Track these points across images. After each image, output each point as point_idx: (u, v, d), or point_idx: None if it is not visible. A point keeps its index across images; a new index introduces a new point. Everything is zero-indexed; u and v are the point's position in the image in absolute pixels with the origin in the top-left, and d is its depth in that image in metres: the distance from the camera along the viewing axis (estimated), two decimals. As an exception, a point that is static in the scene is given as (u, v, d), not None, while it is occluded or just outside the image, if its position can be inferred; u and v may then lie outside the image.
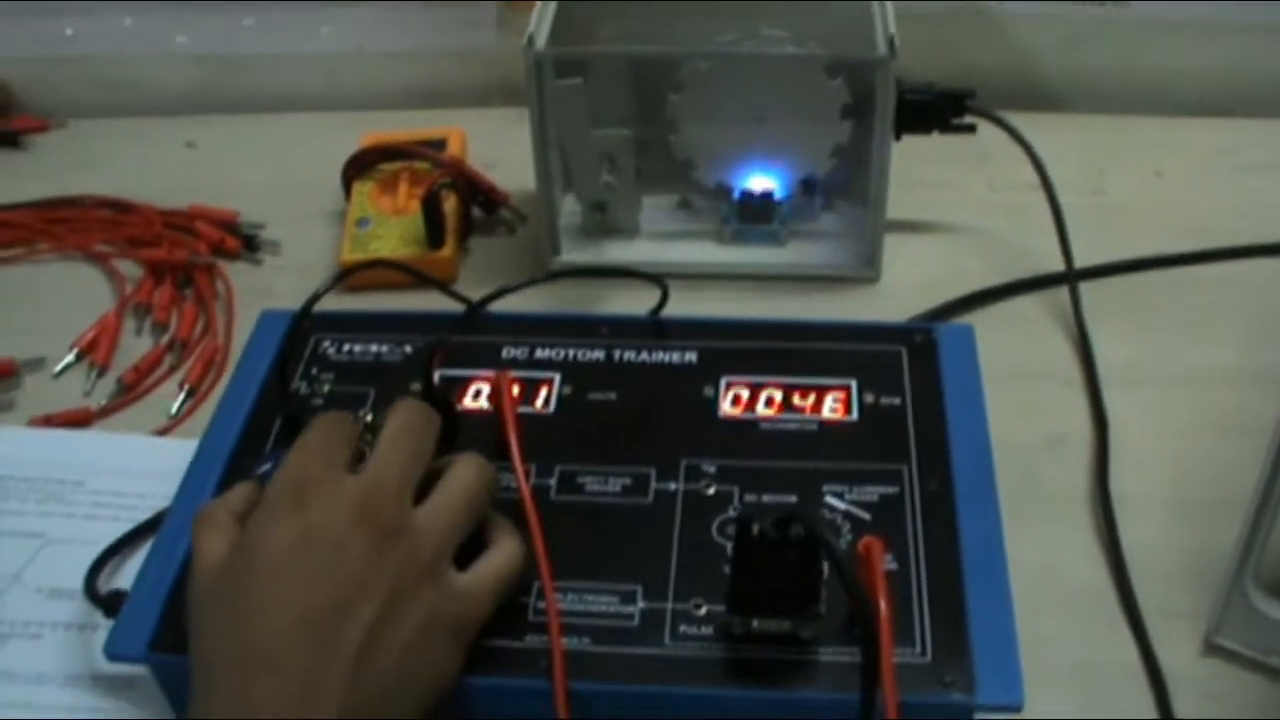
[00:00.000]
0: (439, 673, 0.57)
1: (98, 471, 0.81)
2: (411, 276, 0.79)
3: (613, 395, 0.71)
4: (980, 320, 0.89)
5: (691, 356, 0.73)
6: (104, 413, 0.87)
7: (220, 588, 0.56)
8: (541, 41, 0.85)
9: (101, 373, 0.90)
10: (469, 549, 0.60)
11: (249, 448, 0.69)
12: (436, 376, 0.70)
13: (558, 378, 0.72)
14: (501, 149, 1.04)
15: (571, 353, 0.74)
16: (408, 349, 0.74)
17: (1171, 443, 0.82)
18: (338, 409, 0.70)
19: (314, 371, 0.73)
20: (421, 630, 0.56)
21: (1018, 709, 0.57)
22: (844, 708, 0.54)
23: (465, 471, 0.60)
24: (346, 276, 0.71)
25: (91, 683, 0.70)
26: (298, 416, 0.69)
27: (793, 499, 0.65)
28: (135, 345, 0.92)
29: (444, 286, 0.75)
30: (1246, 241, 0.95)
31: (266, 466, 0.63)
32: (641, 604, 0.61)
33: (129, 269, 0.98)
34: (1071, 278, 0.91)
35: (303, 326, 0.75)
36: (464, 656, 0.58)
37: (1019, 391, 0.75)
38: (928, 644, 0.59)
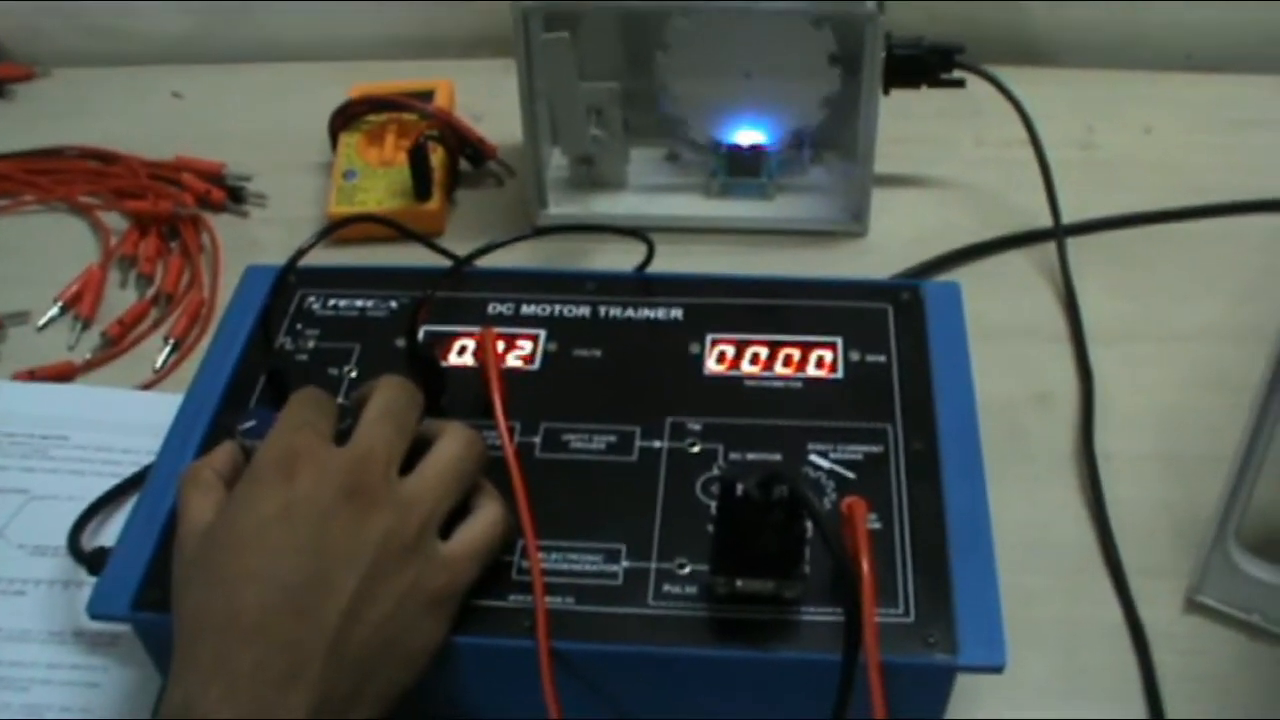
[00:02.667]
0: (424, 641, 0.57)
1: (82, 426, 0.81)
2: (397, 231, 0.78)
3: (598, 352, 0.71)
4: (967, 276, 0.89)
5: (677, 313, 0.73)
6: (88, 366, 0.87)
7: (206, 553, 0.57)
8: (528, -7, 0.85)
9: (86, 326, 0.90)
10: (452, 512, 0.60)
11: (233, 404, 0.69)
12: (422, 332, 0.70)
13: (543, 334, 0.72)
14: (490, 101, 1.03)
15: (557, 309, 0.73)
16: (393, 304, 0.74)
17: (1157, 399, 0.82)
18: (324, 366, 0.70)
19: (299, 327, 0.73)
20: (404, 601, 0.56)
21: (1000, 669, 0.57)
22: (828, 668, 0.54)
23: (453, 444, 0.61)
24: (332, 232, 0.70)
25: (74, 639, 0.70)
26: (282, 373, 0.69)
27: (777, 457, 0.65)
28: (120, 298, 0.92)
29: (430, 242, 0.75)
30: (1235, 198, 0.95)
31: (250, 423, 0.63)
32: (625, 563, 0.61)
33: (114, 221, 0.98)
34: (1059, 234, 0.91)
35: (288, 281, 0.75)
36: (449, 623, 0.58)
37: (1005, 348, 0.75)
38: (911, 604, 0.59)
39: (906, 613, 0.59)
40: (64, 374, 0.86)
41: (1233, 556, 0.69)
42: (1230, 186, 0.96)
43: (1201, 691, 0.68)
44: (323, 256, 0.74)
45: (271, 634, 0.53)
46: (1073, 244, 0.91)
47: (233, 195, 0.99)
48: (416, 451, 0.60)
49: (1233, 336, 0.84)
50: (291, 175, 1.01)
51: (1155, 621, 0.70)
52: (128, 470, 0.77)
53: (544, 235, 0.77)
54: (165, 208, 0.96)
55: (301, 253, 0.69)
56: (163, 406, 0.79)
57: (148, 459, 0.76)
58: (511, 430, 0.66)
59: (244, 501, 0.57)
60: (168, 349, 0.87)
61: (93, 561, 0.68)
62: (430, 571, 0.57)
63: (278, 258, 0.78)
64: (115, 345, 0.88)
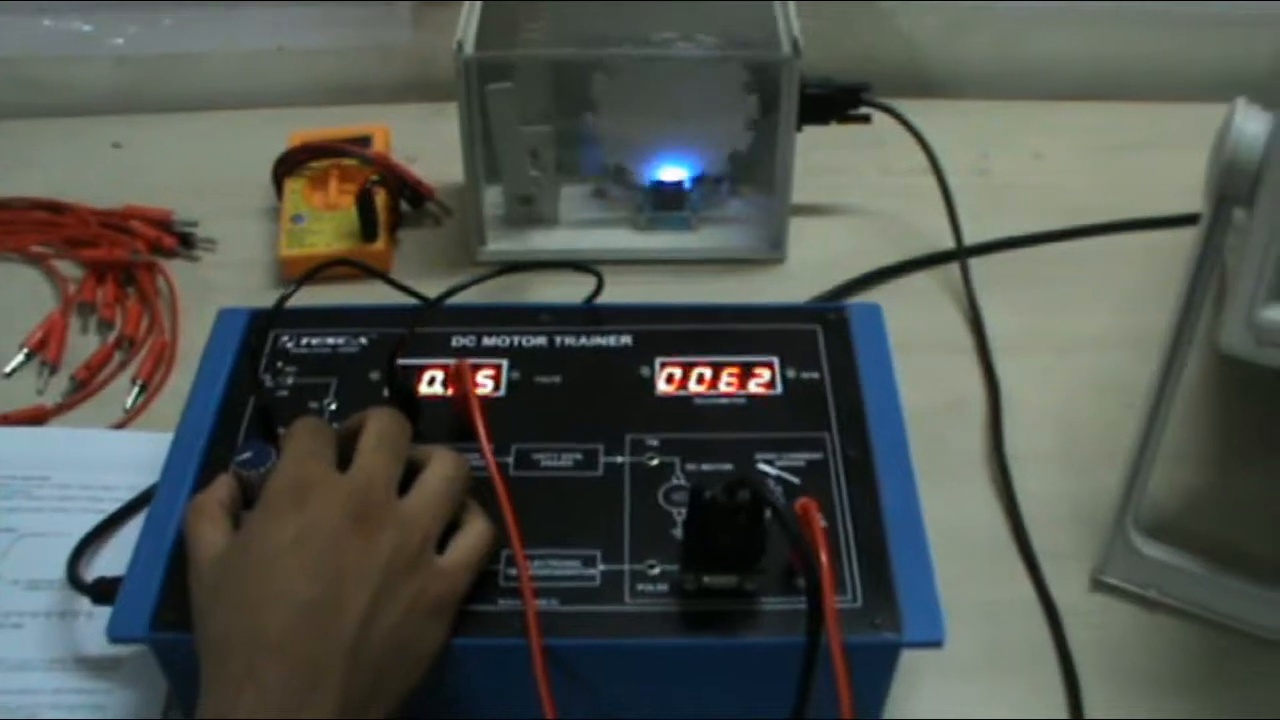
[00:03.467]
0: (428, 646, 0.63)
1: (61, 466, 0.84)
2: (362, 271, 0.84)
3: (558, 378, 0.77)
4: (879, 296, 0.96)
5: (627, 340, 0.79)
6: (59, 410, 0.91)
7: (227, 576, 0.62)
8: (470, 45, 0.91)
9: (53, 371, 0.93)
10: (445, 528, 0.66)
11: (222, 437, 0.74)
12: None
13: (506, 363, 0.78)
14: (421, 143, 1.09)
15: (516, 340, 0.79)
16: (362, 341, 0.79)
17: (1058, 403, 0.89)
18: (304, 400, 0.76)
19: (278, 364, 0.78)
20: (410, 611, 0.62)
21: (940, 644, 0.64)
22: (787, 649, 0.61)
23: (443, 467, 0.66)
24: (312, 276, 0.75)
25: (76, 666, 0.74)
26: (267, 407, 0.74)
27: (729, 467, 0.71)
28: (83, 343, 0.95)
29: (398, 283, 0.80)
30: (1120, 217, 1.03)
31: (246, 455, 0.68)
32: (601, 566, 0.67)
33: (69, 269, 1.01)
34: (962, 255, 0.98)
35: (268, 325, 0.80)
36: (449, 628, 0.64)
37: (918, 361, 0.81)
38: (858, 591, 0.66)
39: (854, 599, 0.65)
40: (37, 417, 0.90)
41: (1131, 539, 0.77)
42: (1116, 206, 1.04)
43: (1109, 659, 0.75)
44: (275, 297, 0.78)
45: (295, 648, 0.58)
46: (975, 264, 0.98)
47: (183, 241, 1.03)
48: (407, 475, 0.66)
49: (1122, 343, 0.91)
50: (237, 220, 1.05)
51: (1065, 599, 0.78)
52: (111, 506, 0.80)
53: (507, 273, 0.82)
54: (121, 254, 1.00)
55: (285, 298, 0.74)
56: (138, 444, 0.85)
57: (130, 494, 0.81)
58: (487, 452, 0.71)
59: (261, 528, 0.62)
60: (136, 390, 0.91)
61: (96, 591, 0.72)
62: (432, 582, 0.63)
63: (234, 299, 0.83)
64: (84, 388, 0.92)
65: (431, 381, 0.77)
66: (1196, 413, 0.87)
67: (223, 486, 0.68)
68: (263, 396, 0.75)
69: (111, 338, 0.96)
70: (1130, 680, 0.74)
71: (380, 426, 0.67)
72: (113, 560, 0.77)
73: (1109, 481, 0.78)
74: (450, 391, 0.75)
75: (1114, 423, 0.81)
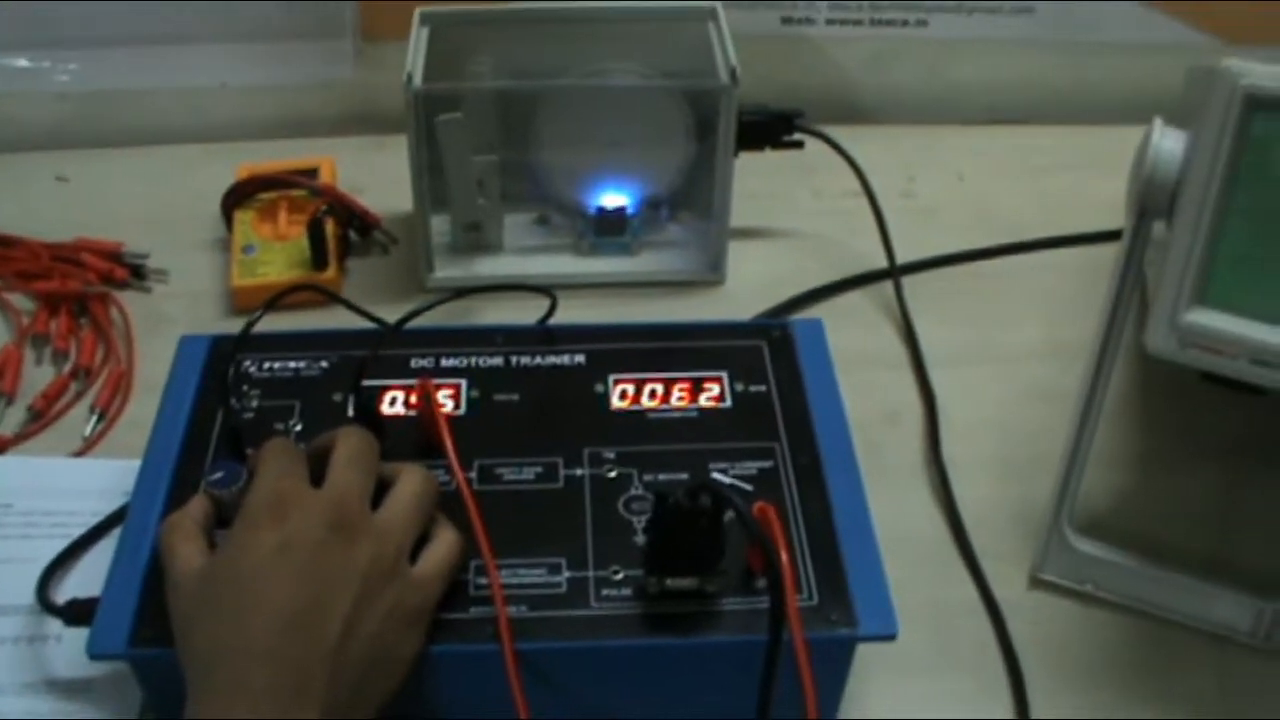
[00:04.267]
0: (405, 652, 0.65)
1: (23, 493, 0.85)
2: (317, 295, 0.86)
3: (515, 396, 0.80)
4: (817, 314, 0.97)
5: (580, 359, 0.82)
6: (18, 439, 0.92)
7: (210, 589, 0.64)
8: (419, 78, 0.93)
9: (9, 402, 0.94)
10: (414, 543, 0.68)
11: (191, 459, 0.76)
12: (353, 387, 0.78)
13: (465, 383, 0.80)
14: (366, 175, 1.11)
15: (474, 360, 0.82)
16: (324, 364, 0.81)
17: (991, 412, 0.93)
18: (270, 422, 0.78)
19: (242, 388, 0.80)
20: (388, 619, 0.64)
21: (893, 637, 0.67)
22: (747, 647, 0.64)
23: (413, 482, 0.69)
24: (278, 300, 0.77)
25: (48, 689, 0.75)
26: (235, 429, 0.76)
27: (684, 476, 0.74)
28: (38, 374, 0.96)
29: (359, 309, 0.82)
30: (1042, 234, 1.07)
31: (218, 475, 0.70)
32: (567, 574, 0.70)
33: (20, 302, 1.02)
34: (894, 273, 1.02)
35: (225, 349, 0.82)
36: (424, 636, 0.66)
37: (856, 376, 0.84)
38: (814, 589, 0.69)
39: (810, 597, 0.68)
40: (-4, 447, 0.91)
41: (1067, 537, 0.81)
42: (1038, 224, 1.08)
43: (1050, 652, 0.79)
44: (231, 325, 0.80)
45: (280, 655, 0.60)
46: (907, 281, 1.02)
47: (135, 272, 1.04)
48: (378, 492, 0.69)
49: (1050, 355, 0.95)
50: (186, 252, 1.06)
51: (1006, 597, 0.81)
52: (76, 531, 0.81)
53: (463, 297, 0.85)
54: (74, 286, 1.01)
55: (253, 322, 0.76)
56: (99, 471, 0.86)
57: (94, 519, 0.82)
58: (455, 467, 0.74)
59: (242, 542, 0.64)
60: (94, 419, 0.92)
61: (69, 612, 0.73)
62: (407, 591, 0.65)
63: (187, 329, 0.86)
64: (41, 418, 0.93)
65: (394, 402, 0.79)
66: (1124, 417, 0.91)
67: (197, 505, 0.70)
68: (231, 418, 0.77)
69: (67, 368, 0.97)
70: (1072, 672, 0.78)
71: (351, 444, 0.69)
72: (81, 583, 0.79)
73: (1044, 485, 0.82)
74: (413, 410, 0.77)
75: (1047, 429, 0.85)
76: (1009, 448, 0.90)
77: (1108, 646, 0.79)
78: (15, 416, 0.93)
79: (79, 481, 0.86)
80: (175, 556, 0.66)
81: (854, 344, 0.91)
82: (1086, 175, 1.11)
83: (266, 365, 0.82)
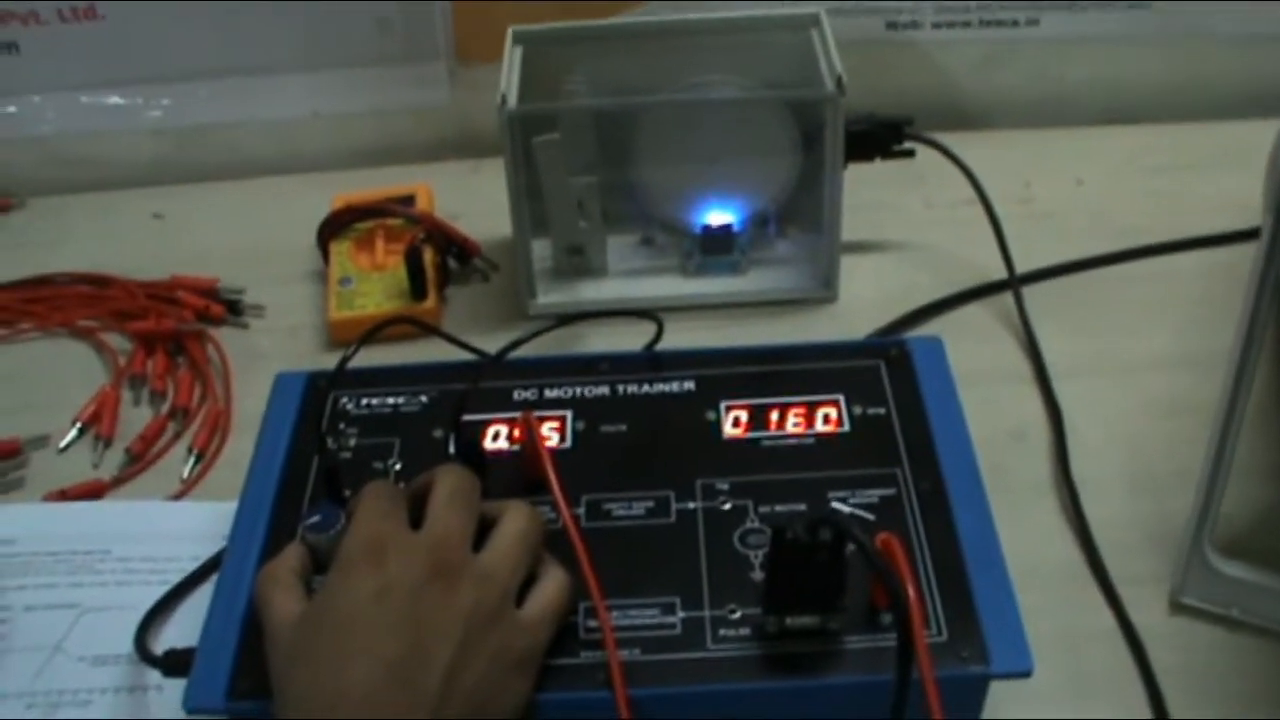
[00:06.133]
0: (511, 700, 0.62)
1: (122, 539, 0.84)
2: (415, 328, 0.84)
3: (623, 426, 0.77)
4: (934, 329, 0.96)
5: (689, 385, 0.79)
6: (116, 483, 0.90)
7: (306, 638, 0.61)
8: (513, 99, 0.91)
9: (108, 444, 0.93)
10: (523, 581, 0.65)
11: (288, 501, 0.74)
12: (456, 423, 0.75)
13: (570, 414, 0.77)
14: (463, 200, 1.09)
15: (578, 390, 0.79)
16: (423, 399, 0.79)
17: (1121, 426, 0.89)
18: (369, 460, 0.75)
19: (340, 426, 0.78)
20: (493, 665, 0.61)
21: (1029, 674, 0.63)
22: (873, 688, 0.60)
23: (518, 520, 0.66)
24: (372, 335, 0.76)
25: None
26: (333, 470, 0.73)
27: (802, 507, 0.71)
28: (135, 415, 0.95)
29: (458, 340, 0.80)
30: (1163, 238, 1.03)
31: (315, 519, 0.68)
32: (681, 614, 0.66)
33: (117, 341, 1.01)
34: (1014, 283, 0.98)
35: (320, 386, 0.80)
36: (532, 681, 0.63)
37: (977, 392, 0.80)
38: (942, 625, 0.65)
39: (939, 633, 0.65)
40: (94, 491, 0.89)
41: (1209, 559, 0.76)
42: (1158, 228, 1.03)
43: (1195, 683, 0.74)
44: (329, 360, 0.78)
45: (379, 707, 0.58)
46: (1027, 291, 0.98)
47: (230, 308, 1.03)
48: (481, 531, 0.66)
49: (1180, 364, 0.91)
50: (282, 286, 1.05)
51: (1145, 624, 0.77)
52: (174, 577, 0.80)
53: (566, 325, 0.82)
54: (169, 325, 1.00)
55: (347, 358, 0.74)
56: (197, 514, 0.85)
57: (192, 564, 0.80)
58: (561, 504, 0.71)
59: (340, 588, 0.62)
60: (192, 460, 0.91)
61: (167, 663, 0.71)
62: (513, 636, 0.62)
63: (284, 364, 0.84)
64: (139, 461, 0.92)
65: (496, 437, 0.77)
66: (1266, 427, 0.86)
67: (293, 554, 0.68)
68: (327, 458, 0.75)
69: (164, 409, 0.96)
70: (1217, 703, 0.73)
71: (450, 483, 0.67)
72: (180, 631, 0.77)
73: (1180, 502, 0.77)
74: (516, 445, 0.75)
75: (1180, 442, 0.81)
76: (1142, 463, 0.86)
77: (1256, 675, 0.75)
78: (114, 459, 0.93)
79: (177, 525, 0.85)
80: (271, 606, 0.64)
81: (974, 359, 0.87)
82: (1207, 174, 1.07)
83: (364, 402, 0.80)
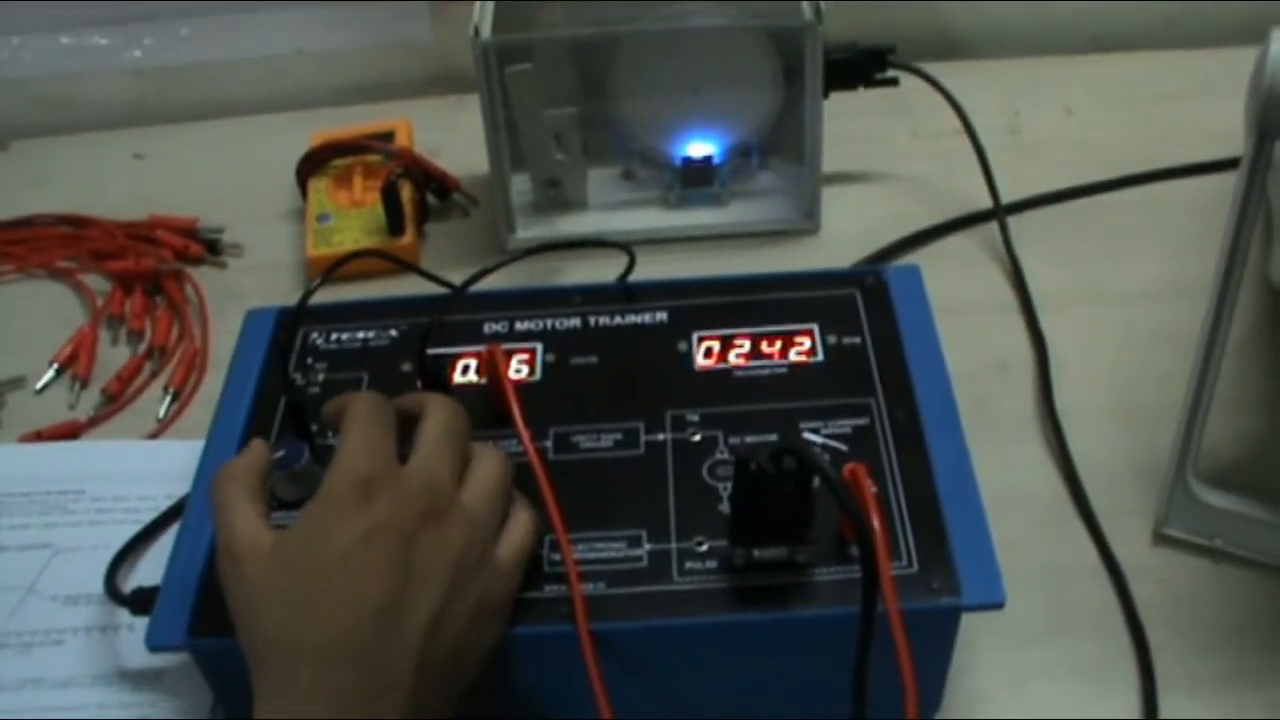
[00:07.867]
0: (488, 645, 0.61)
1: (96, 479, 0.83)
2: (391, 263, 0.83)
3: (594, 359, 0.75)
4: (917, 260, 0.94)
5: (662, 316, 0.78)
6: (92, 423, 0.90)
7: (283, 576, 0.59)
8: (486, 30, 0.90)
9: (84, 385, 0.93)
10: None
11: (254, 438, 0.72)
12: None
13: (540, 347, 0.76)
14: (445, 136, 1.08)
15: (550, 323, 0.78)
16: (393, 333, 0.78)
17: (1106, 357, 0.87)
18: (336, 395, 0.74)
19: (308, 361, 0.77)
20: (475, 612, 0.60)
21: (1001, 605, 0.62)
22: (843, 621, 0.58)
23: (494, 463, 0.64)
24: (336, 269, 0.74)
25: (119, 680, 0.73)
26: (299, 405, 0.72)
27: (773, 438, 0.70)
28: (113, 355, 0.95)
29: (426, 272, 0.79)
30: (1153, 167, 1.01)
31: (279, 454, 0.67)
32: (648, 546, 0.65)
33: (95, 282, 1.01)
34: (1000, 213, 0.96)
35: (295, 321, 0.78)
36: (506, 627, 0.62)
37: (961, 323, 0.79)
38: (913, 556, 0.64)
39: (910, 564, 0.63)
40: (70, 432, 0.89)
41: (1192, 489, 0.75)
42: (1149, 157, 1.02)
43: (1177, 614, 0.73)
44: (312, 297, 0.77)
45: (368, 654, 0.56)
46: (1013, 221, 0.97)
47: (209, 248, 1.02)
48: (404, 427, 0.64)
49: (1169, 294, 0.89)
50: (262, 224, 1.04)
51: (1127, 557, 0.76)
52: (147, 516, 0.79)
53: (532, 255, 0.81)
54: (148, 265, 0.99)
55: (310, 292, 0.72)
56: (172, 453, 0.84)
57: (166, 503, 0.80)
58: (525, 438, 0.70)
59: (324, 526, 0.59)
60: (168, 399, 0.91)
61: (135, 602, 0.70)
62: (494, 582, 0.61)
63: (263, 303, 0.82)
64: (116, 401, 0.91)
65: (465, 370, 0.75)
66: (1250, 357, 0.85)
67: (256, 450, 0.66)
68: (294, 394, 0.74)
69: (142, 348, 0.95)
70: (1202, 635, 0.72)
71: (444, 419, 0.64)
72: (152, 571, 0.76)
73: (1165, 434, 0.76)
74: (484, 378, 0.73)
75: (1166, 374, 0.80)
76: (1127, 395, 0.85)
77: (1240, 606, 0.74)
78: (91, 400, 0.92)
79: (151, 465, 0.84)
80: (234, 515, 0.61)
81: (959, 290, 0.88)
82: (1200, 102, 1.06)
83: (334, 336, 0.78)
